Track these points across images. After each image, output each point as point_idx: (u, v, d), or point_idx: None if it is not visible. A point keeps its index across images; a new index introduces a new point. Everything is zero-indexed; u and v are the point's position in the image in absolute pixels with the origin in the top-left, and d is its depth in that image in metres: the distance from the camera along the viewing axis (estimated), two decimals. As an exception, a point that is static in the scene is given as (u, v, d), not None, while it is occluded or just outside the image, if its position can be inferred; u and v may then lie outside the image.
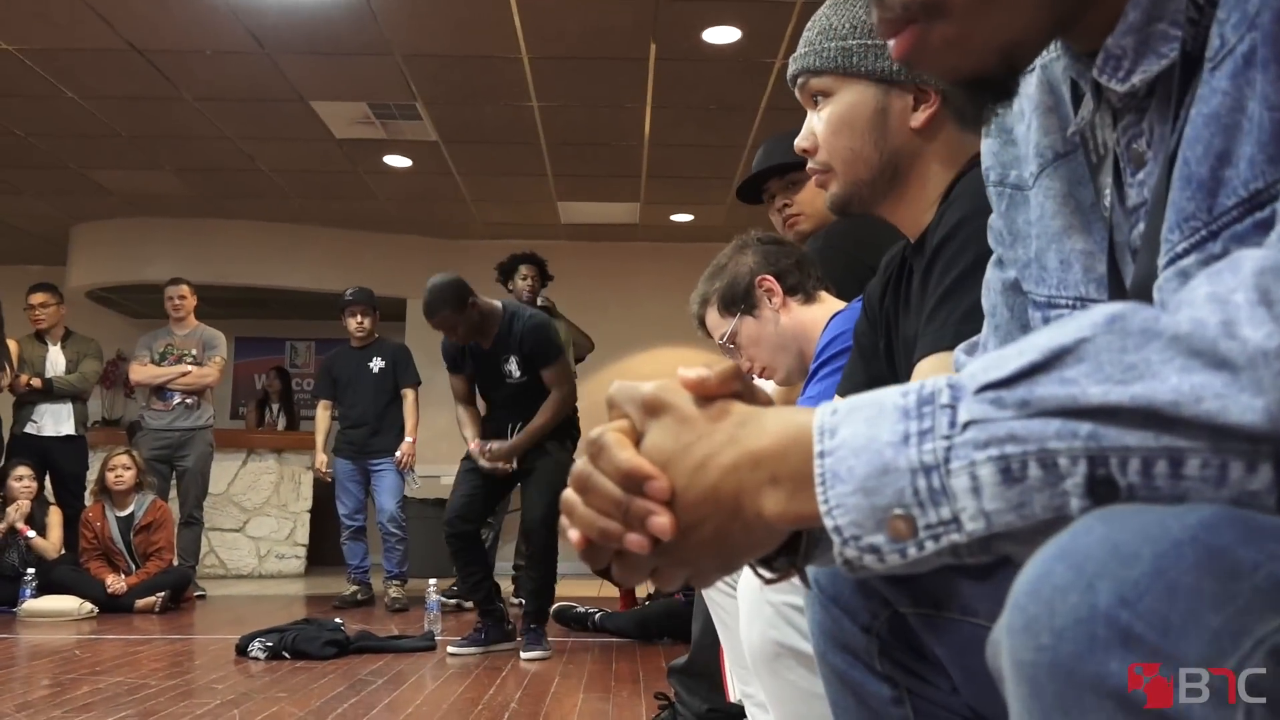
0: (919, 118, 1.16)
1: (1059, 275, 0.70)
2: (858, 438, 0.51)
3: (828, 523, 0.51)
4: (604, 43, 4.85)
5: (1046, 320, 0.72)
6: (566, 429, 4.11)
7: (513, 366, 3.93)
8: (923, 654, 0.83)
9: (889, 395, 0.52)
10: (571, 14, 4.56)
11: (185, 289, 5.96)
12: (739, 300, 1.78)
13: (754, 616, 1.31)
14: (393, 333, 7.14)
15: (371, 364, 5.69)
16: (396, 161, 6.65)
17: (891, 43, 0.62)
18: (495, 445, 3.85)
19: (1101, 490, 0.46)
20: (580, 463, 0.60)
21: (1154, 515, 0.42)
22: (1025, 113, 0.72)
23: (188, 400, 5.80)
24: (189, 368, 5.79)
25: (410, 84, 5.36)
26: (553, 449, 3.97)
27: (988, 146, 0.79)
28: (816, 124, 1.19)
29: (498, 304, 3.99)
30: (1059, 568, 0.42)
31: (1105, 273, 0.66)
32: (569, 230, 8.15)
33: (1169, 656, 0.39)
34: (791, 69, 1.22)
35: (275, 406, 8.47)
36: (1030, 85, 0.71)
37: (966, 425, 0.48)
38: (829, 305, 1.78)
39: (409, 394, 5.69)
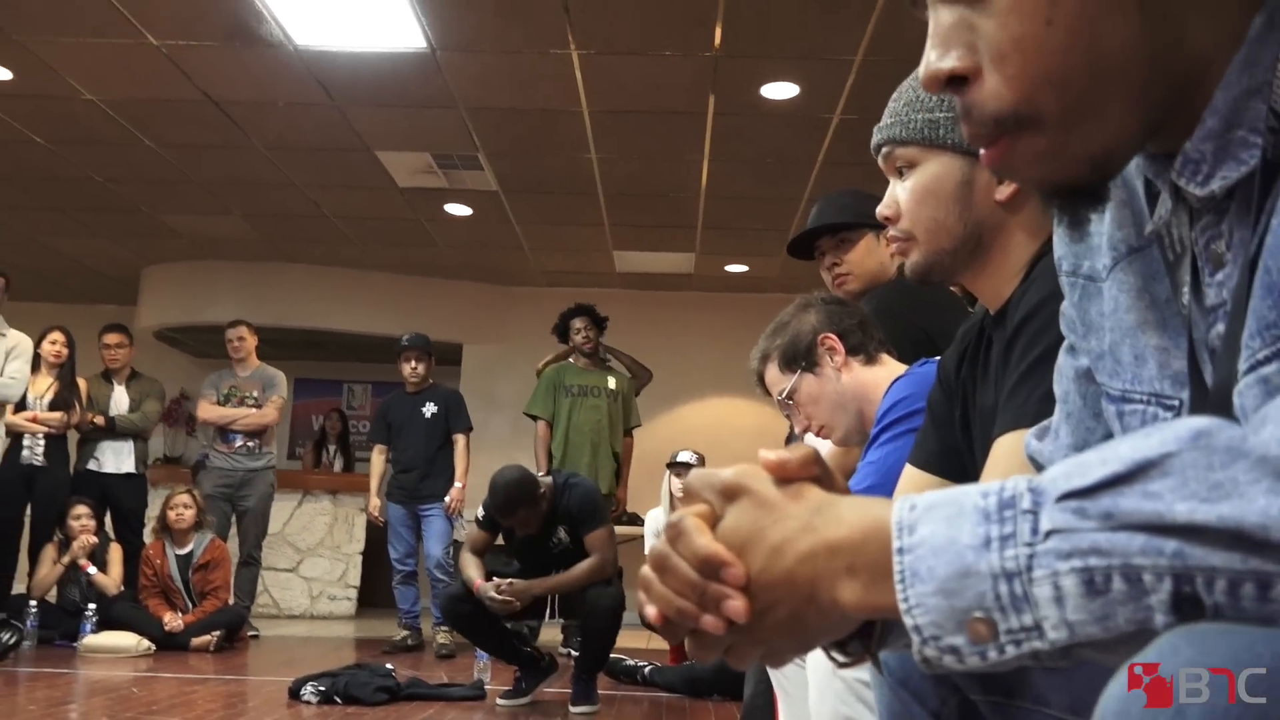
0: (1004, 190, 1.16)
1: (1133, 370, 0.70)
2: (937, 537, 0.51)
3: (907, 621, 0.52)
4: (663, 97, 4.92)
5: (1121, 415, 0.72)
6: None
7: (562, 535, 3.89)
8: (993, 742, 0.83)
9: (968, 495, 0.52)
10: (632, 69, 4.64)
11: (244, 330, 6.09)
12: (800, 357, 1.79)
13: (825, 690, 1.30)
14: (448, 377, 7.22)
15: (424, 409, 5.75)
16: (457, 210, 6.78)
17: (983, 152, 0.63)
18: (519, 582, 3.69)
19: (1187, 608, 0.46)
20: (659, 544, 0.61)
21: (1242, 639, 0.42)
22: (1102, 213, 0.73)
23: (249, 443, 5.92)
24: (250, 410, 5.92)
25: (473, 135, 5.48)
26: None
27: (1060, 236, 0.79)
28: (900, 193, 1.20)
29: (549, 480, 3.95)
30: None
31: (1180, 369, 0.66)
32: (624, 279, 8.21)
33: None
34: (876, 139, 1.24)
35: (332, 448, 8.58)
36: None
37: (1049, 534, 0.48)
38: (891, 368, 1.77)
39: (460, 439, 5.73)
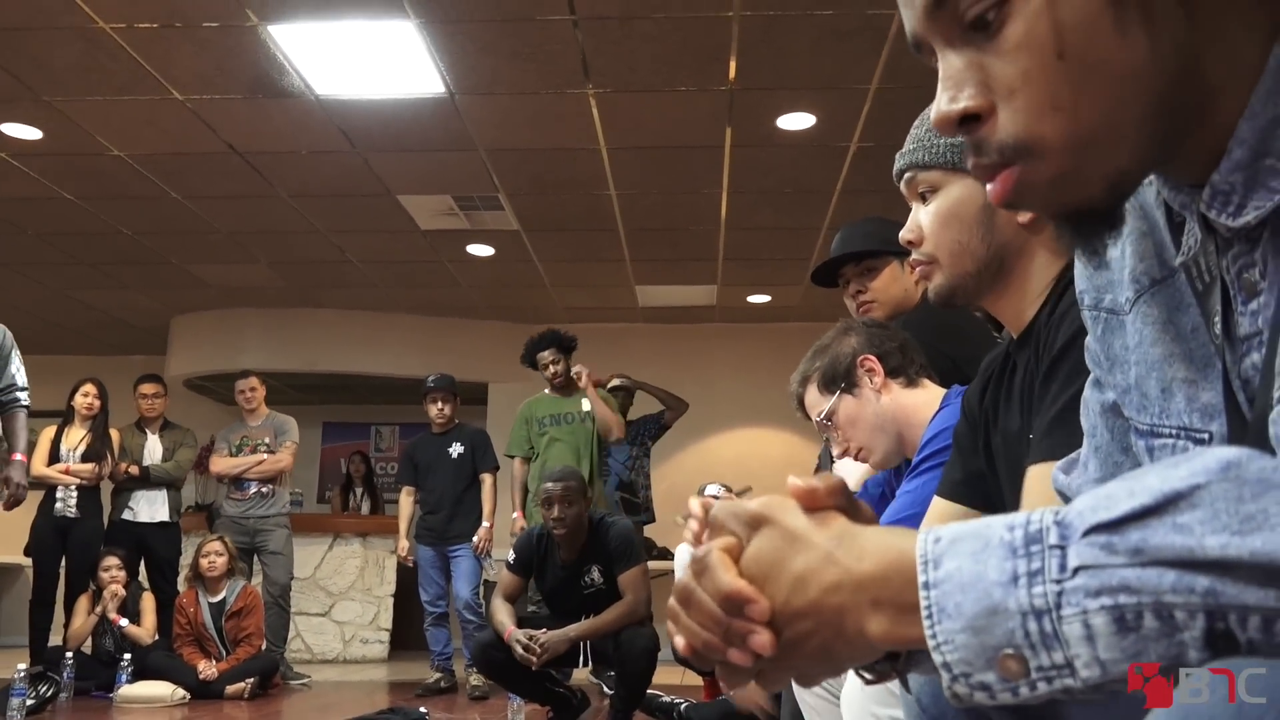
0: (1026, 213, 1.16)
1: (1160, 404, 0.70)
2: (964, 573, 0.51)
3: (936, 658, 0.51)
4: (680, 132, 4.96)
5: (1150, 449, 0.71)
6: None
7: (595, 574, 3.86)
8: (1031, 776, 0.81)
9: (994, 528, 0.52)
10: (648, 106, 4.68)
11: (255, 380, 6.15)
12: (839, 378, 1.77)
13: (854, 690, 1.29)
14: (474, 417, 7.24)
15: (451, 449, 5.76)
16: (479, 250, 6.84)
17: (989, 187, 0.62)
18: (552, 634, 3.63)
19: (1221, 644, 0.45)
20: (686, 577, 0.62)
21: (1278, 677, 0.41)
22: (1118, 237, 0.72)
23: (263, 489, 5.95)
24: (264, 456, 5.96)
25: (493, 176, 5.53)
26: None
27: (1080, 270, 0.79)
28: (923, 217, 1.21)
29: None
30: None
31: (1209, 401, 0.65)
32: (647, 313, 8.23)
33: None
34: (899, 164, 1.25)
35: (359, 490, 8.61)
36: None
37: (1077, 570, 0.48)
38: (932, 392, 1.76)
39: (487, 479, 5.73)
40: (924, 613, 0.51)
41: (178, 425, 6.22)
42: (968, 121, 0.61)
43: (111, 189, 5.71)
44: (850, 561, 0.56)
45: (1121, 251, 0.73)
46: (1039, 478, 1.02)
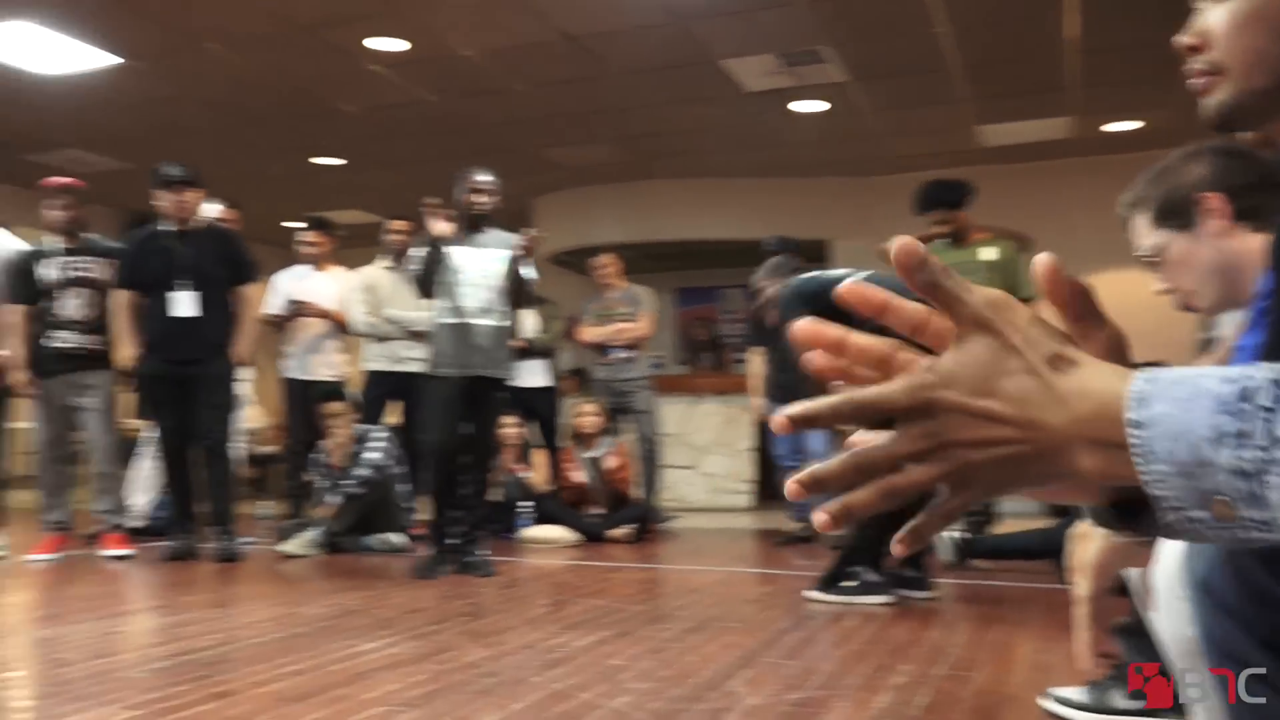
0: None
1: None
2: (1172, 420, 0.50)
3: (1151, 491, 0.52)
4: (1016, -50, 4.53)
5: None
6: None
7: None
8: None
9: (1209, 377, 0.51)
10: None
11: (604, 258, 6.60)
12: (1174, 213, 1.58)
13: (1169, 611, 1.24)
14: (816, 274, 7.27)
15: (798, 308, 5.86)
16: (806, 106, 6.74)
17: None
18: None
19: None
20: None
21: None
22: None
23: (626, 355, 6.44)
24: (625, 325, 6.43)
25: (815, 29, 5.39)
26: None
27: None
28: (1213, 18, 1.08)
29: None
30: None
31: None
32: (985, 154, 7.74)
33: None
34: None
35: (707, 355, 9.03)
36: None
37: None
38: None
39: (835, 332, 5.77)
40: (1134, 451, 0.52)
41: (546, 299, 6.84)
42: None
43: (468, 87, 6.24)
44: (1074, 400, 0.54)
45: None
46: None
